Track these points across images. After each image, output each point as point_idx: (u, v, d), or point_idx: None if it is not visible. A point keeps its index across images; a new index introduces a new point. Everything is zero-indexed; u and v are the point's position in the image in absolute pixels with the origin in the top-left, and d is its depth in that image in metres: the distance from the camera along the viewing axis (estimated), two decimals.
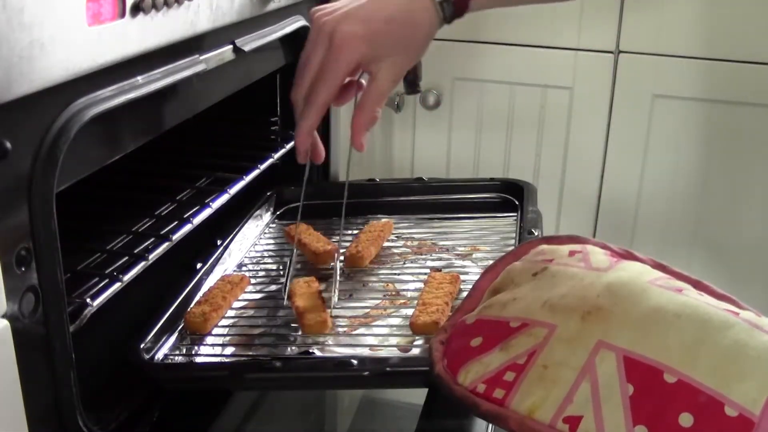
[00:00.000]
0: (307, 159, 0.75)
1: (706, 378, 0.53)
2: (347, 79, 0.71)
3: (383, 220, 0.98)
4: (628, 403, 0.54)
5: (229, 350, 0.75)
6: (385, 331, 0.76)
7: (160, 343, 0.74)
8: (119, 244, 0.82)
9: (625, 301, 0.59)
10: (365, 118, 0.70)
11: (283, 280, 0.89)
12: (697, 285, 0.64)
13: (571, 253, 0.68)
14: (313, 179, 1.10)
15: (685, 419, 0.52)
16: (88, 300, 0.66)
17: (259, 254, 0.96)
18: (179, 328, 0.77)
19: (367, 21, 0.67)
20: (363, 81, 0.73)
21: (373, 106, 0.70)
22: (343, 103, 0.76)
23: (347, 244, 0.93)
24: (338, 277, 0.84)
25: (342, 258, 0.88)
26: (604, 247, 0.70)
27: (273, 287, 0.87)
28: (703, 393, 0.53)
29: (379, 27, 0.68)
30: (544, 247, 0.72)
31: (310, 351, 0.74)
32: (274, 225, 1.03)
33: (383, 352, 0.73)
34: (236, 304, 0.82)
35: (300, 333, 0.76)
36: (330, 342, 0.74)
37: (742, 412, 0.52)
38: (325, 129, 1.11)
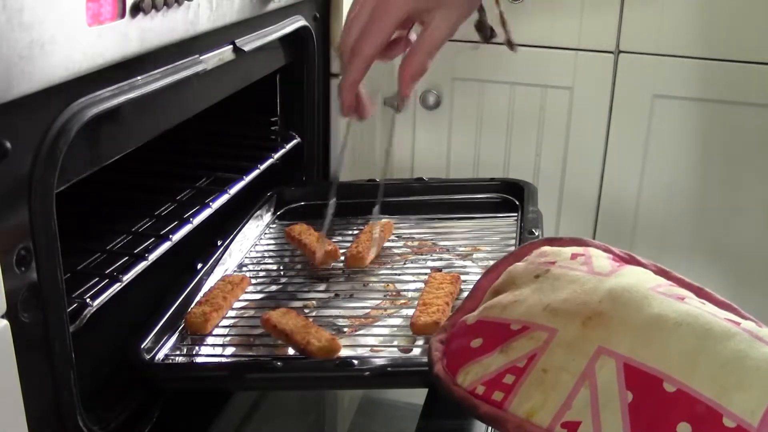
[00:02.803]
0: (350, 112, 0.71)
1: (705, 388, 0.53)
2: (396, 34, 0.69)
3: (383, 220, 0.98)
4: (626, 410, 0.53)
5: (230, 350, 0.75)
6: (386, 331, 0.76)
7: (161, 343, 0.74)
8: (119, 244, 0.82)
9: (627, 308, 0.59)
10: (414, 67, 0.68)
11: (283, 280, 0.89)
12: (699, 292, 0.64)
13: (574, 256, 0.68)
14: (313, 179, 1.10)
15: (683, 429, 0.52)
16: (88, 300, 0.66)
17: (259, 254, 0.96)
18: (180, 328, 0.77)
19: None
20: (413, 37, 0.70)
21: (423, 56, 0.67)
22: (391, 58, 0.72)
23: (344, 244, 0.93)
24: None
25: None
26: (606, 250, 0.70)
27: (273, 287, 0.87)
28: (702, 403, 0.53)
29: None
30: (547, 248, 0.72)
31: None
32: (274, 225, 1.03)
33: (384, 353, 0.73)
34: (237, 305, 0.82)
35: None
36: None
37: (740, 423, 0.51)
38: (325, 129, 1.11)
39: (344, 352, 0.72)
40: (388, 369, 0.67)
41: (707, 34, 1.31)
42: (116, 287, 0.70)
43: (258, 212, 1.01)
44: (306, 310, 0.81)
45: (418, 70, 0.68)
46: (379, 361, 0.68)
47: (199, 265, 0.86)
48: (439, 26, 0.66)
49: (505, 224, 0.98)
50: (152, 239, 0.79)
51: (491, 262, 0.78)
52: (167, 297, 0.79)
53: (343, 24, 0.69)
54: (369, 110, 0.73)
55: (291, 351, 0.74)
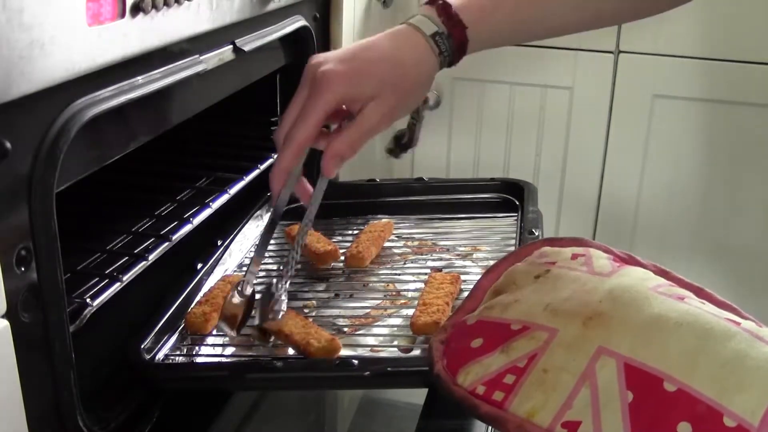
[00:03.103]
0: (276, 201, 0.72)
1: (705, 388, 0.53)
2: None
3: (383, 220, 0.98)
4: (627, 409, 0.53)
5: (230, 350, 0.75)
6: (386, 331, 0.76)
7: (161, 343, 0.74)
8: (119, 244, 0.82)
9: (627, 308, 0.59)
10: (339, 147, 0.67)
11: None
12: (699, 292, 0.64)
13: (574, 257, 0.68)
14: (313, 180, 1.10)
15: (684, 428, 0.52)
16: (88, 300, 0.66)
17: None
18: (180, 328, 0.77)
19: (351, 60, 0.66)
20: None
21: (353, 140, 0.67)
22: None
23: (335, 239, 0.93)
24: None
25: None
26: (606, 250, 0.70)
27: None
28: (703, 403, 0.53)
29: (362, 66, 0.66)
30: (547, 249, 0.72)
31: None
32: None
33: (384, 353, 0.73)
34: None
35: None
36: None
37: (741, 423, 0.51)
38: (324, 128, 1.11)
39: (344, 352, 0.72)
40: (388, 369, 0.67)
41: (707, 34, 1.31)
42: (116, 287, 0.70)
43: (258, 212, 1.01)
44: (306, 310, 0.81)
45: (340, 152, 0.68)
46: (379, 361, 0.68)
47: (199, 265, 0.86)
48: (369, 116, 0.66)
49: (505, 224, 0.98)
50: (152, 239, 0.79)
51: (491, 262, 0.78)
52: (167, 297, 0.79)
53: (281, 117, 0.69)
54: (308, 193, 0.73)
55: (291, 351, 0.74)
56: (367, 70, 0.66)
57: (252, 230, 0.99)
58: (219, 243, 0.91)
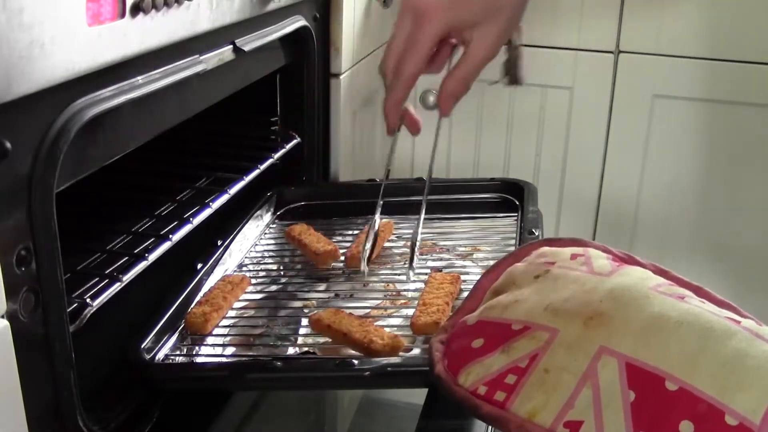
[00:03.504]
0: (395, 132, 0.72)
1: (707, 386, 0.53)
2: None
3: (383, 220, 0.98)
4: (629, 409, 0.53)
5: (230, 350, 0.75)
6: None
7: (161, 343, 0.74)
8: (119, 244, 0.82)
9: (628, 307, 0.59)
10: (454, 86, 0.67)
11: (283, 280, 0.89)
12: (699, 292, 0.64)
13: (573, 257, 0.68)
14: (313, 179, 1.10)
15: (686, 427, 0.52)
16: (88, 300, 0.66)
17: (259, 254, 0.96)
18: (180, 328, 0.77)
19: None
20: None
21: (465, 76, 0.67)
22: (438, 70, 0.71)
23: (338, 246, 0.93)
24: None
25: None
26: (606, 250, 0.70)
27: (273, 287, 0.87)
28: (704, 401, 0.53)
29: None
30: (546, 249, 0.72)
31: (311, 351, 0.74)
32: (274, 225, 1.03)
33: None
34: (237, 305, 0.82)
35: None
36: (330, 342, 0.74)
37: (742, 421, 0.52)
38: (325, 130, 1.11)
39: (344, 352, 0.72)
40: (388, 369, 0.67)
41: (707, 33, 1.31)
42: (116, 287, 0.70)
43: (258, 212, 1.01)
44: (306, 310, 0.81)
45: (456, 91, 0.67)
46: (379, 361, 0.68)
47: (199, 265, 0.86)
48: (480, 45, 0.65)
49: (505, 224, 0.98)
50: (152, 239, 0.79)
51: (491, 262, 0.78)
52: (167, 297, 0.79)
53: (386, 47, 0.68)
54: (419, 125, 0.73)
55: (291, 351, 0.74)
56: None
57: (252, 230, 0.99)
58: (219, 243, 0.91)
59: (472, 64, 0.66)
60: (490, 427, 0.67)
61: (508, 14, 0.66)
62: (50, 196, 0.54)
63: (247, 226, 0.97)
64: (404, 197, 1.05)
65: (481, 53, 0.66)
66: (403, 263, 0.90)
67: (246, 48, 0.81)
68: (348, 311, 0.80)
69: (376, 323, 0.76)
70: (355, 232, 0.97)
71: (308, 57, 1.01)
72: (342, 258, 0.90)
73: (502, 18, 0.66)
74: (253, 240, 0.98)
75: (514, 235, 0.94)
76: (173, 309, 0.78)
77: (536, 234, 0.88)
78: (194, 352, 0.75)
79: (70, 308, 0.62)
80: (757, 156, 1.34)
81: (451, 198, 1.05)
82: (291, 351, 0.74)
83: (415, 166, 1.52)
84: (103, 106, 0.58)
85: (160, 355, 0.73)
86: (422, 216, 0.79)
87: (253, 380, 0.70)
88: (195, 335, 0.76)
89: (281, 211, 1.05)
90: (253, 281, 0.88)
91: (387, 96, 0.69)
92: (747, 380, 0.53)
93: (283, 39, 0.92)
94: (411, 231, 0.98)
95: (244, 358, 0.74)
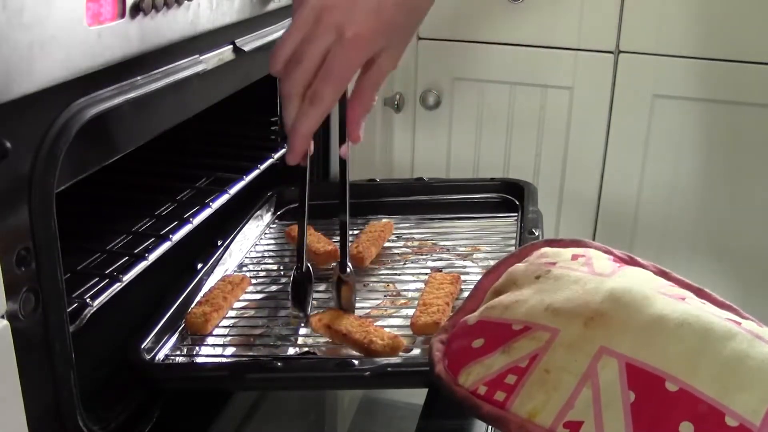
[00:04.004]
0: (301, 160, 0.69)
1: (707, 387, 0.53)
2: None
3: (383, 220, 0.98)
4: (629, 409, 0.53)
5: (230, 351, 0.75)
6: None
7: (161, 343, 0.74)
8: (119, 244, 0.82)
9: (628, 308, 0.59)
10: (364, 106, 0.65)
11: (283, 280, 0.89)
12: (699, 293, 0.64)
13: (574, 257, 0.68)
14: (314, 179, 1.10)
15: (686, 428, 0.52)
16: (88, 300, 0.66)
17: (259, 255, 0.96)
18: (180, 328, 0.77)
19: (378, 11, 0.60)
20: None
21: (372, 93, 0.65)
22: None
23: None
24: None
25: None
26: (607, 251, 0.70)
27: (274, 287, 0.87)
28: (704, 402, 0.53)
29: (389, 16, 0.60)
30: (547, 249, 0.72)
31: (311, 351, 0.74)
32: (274, 225, 1.03)
33: None
34: (237, 305, 0.82)
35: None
36: (331, 342, 0.74)
37: (742, 422, 0.52)
38: (325, 129, 1.11)
39: (344, 352, 0.72)
40: (388, 369, 0.67)
41: (707, 34, 1.31)
42: (116, 287, 0.70)
43: (258, 212, 1.01)
44: None
45: (367, 107, 0.66)
46: (379, 361, 0.68)
47: (199, 265, 0.86)
48: (388, 63, 0.64)
49: (505, 224, 0.98)
50: (152, 239, 0.79)
51: (491, 262, 0.78)
52: (167, 297, 0.79)
53: (275, 56, 0.63)
54: (311, 151, 0.68)
55: (291, 351, 0.74)
56: (394, 21, 0.61)
57: (252, 230, 0.99)
58: (219, 243, 0.91)
59: (378, 81, 0.64)
60: (490, 428, 0.67)
61: (413, 32, 0.66)
62: (50, 196, 0.54)
63: (247, 226, 0.97)
64: (404, 197, 1.05)
65: (388, 70, 0.64)
66: (403, 263, 0.90)
67: (246, 48, 0.81)
68: None
69: (376, 323, 0.76)
70: (355, 232, 0.97)
71: None
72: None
73: (409, 37, 0.65)
74: (253, 240, 0.98)
75: (514, 235, 0.94)
76: (173, 309, 0.78)
77: (536, 234, 0.88)
78: (194, 352, 0.75)
79: (70, 308, 0.62)
80: (757, 156, 1.34)
81: (451, 198, 1.05)
82: (291, 351, 0.74)
83: (416, 166, 1.52)
84: (103, 106, 0.58)
85: (160, 355, 0.73)
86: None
87: (253, 380, 0.70)
88: (195, 335, 0.76)
89: (281, 211, 1.06)
90: (254, 281, 0.88)
91: (301, 123, 0.63)
92: (747, 381, 0.53)
93: None
94: (411, 231, 0.99)
95: (244, 358, 0.74)
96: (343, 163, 0.75)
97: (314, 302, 0.80)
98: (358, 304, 0.81)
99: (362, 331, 0.71)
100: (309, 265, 0.77)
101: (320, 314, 0.75)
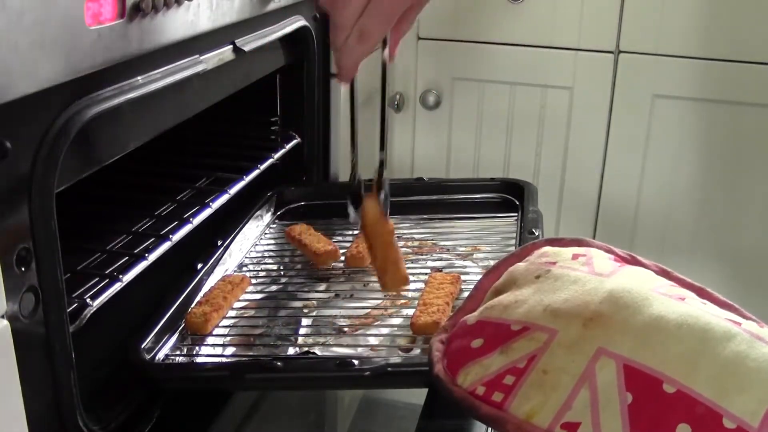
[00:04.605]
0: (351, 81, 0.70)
1: (705, 389, 0.53)
2: None
3: None
4: (626, 411, 0.53)
5: (230, 350, 0.75)
6: (386, 331, 0.76)
7: (161, 343, 0.74)
8: (119, 244, 0.82)
9: (627, 309, 0.59)
10: (402, 32, 0.66)
11: (283, 280, 0.89)
12: (701, 292, 0.64)
13: (575, 257, 0.68)
14: (313, 179, 1.10)
15: (683, 430, 0.52)
16: (88, 300, 0.66)
17: (259, 255, 0.96)
18: (180, 328, 0.77)
19: None
20: None
21: (409, 24, 0.66)
22: (404, 33, 0.69)
23: (344, 244, 0.93)
24: None
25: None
26: (608, 250, 0.70)
27: (273, 287, 0.87)
28: (702, 404, 0.53)
29: None
30: (548, 249, 0.72)
31: (311, 351, 0.74)
32: (274, 225, 1.03)
33: (384, 352, 0.73)
34: (237, 305, 0.82)
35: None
36: (331, 342, 0.74)
37: (740, 424, 0.51)
38: (325, 129, 1.11)
39: (345, 352, 0.72)
40: (388, 369, 0.67)
41: (707, 34, 1.31)
42: (116, 287, 0.70)
43: (258, 212, 1.01)
44: (306, 310, 0.81)
45: (404, 33, 0.67)
46: (379, 361, 0.68)
47: (199, 265, 0.86)
48: (412, 20, 0.66)
49: (505, 224, 0.98)
50: (152, 239, 0.79)
51: (491, 262, 0.78)
52: (167, 297, 0.79)
53: None
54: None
55: (291, 351, 0.74)
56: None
57: (252, 230, 0.99)
58: (219, 243, 0.91)
59: (417, 13, 0.65)
60: (489, 429, 0.67)
61: None
62: (50, 196, 0.54)
63: (247, 226, 0.97)
64: (404, 197, 1.05)
65: (410, 27, 0.66)
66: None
67: (246, 48, 0.81)
68: (349, 310, 0.80)
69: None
70: (355, 232, 0.97)
71: (308, 57, 1.01)
72: (342, 258, 0.90)
73: None
74: (253, 240, 0.98)
75: (514, 235, 0.94)
76: (173, 309, 0.78)
77: (536, 234, 0.88)
78: (194, 352, 0.75)
79: (70, 308, 0.62)
80: (758, 156, 1.34)
81: (451, 198, 1.05)
82: (291, 351, 0.74)
83: (416, 166, 1.52)
84: (103, 106, 0.58)
85: (160, 355, 0.73)
86: None
87: (253, 380, 0.70)
88: (195, 335, 0.76)
89: (281, 211, 1.05)
90: (254, 281, 0.88)
91: (347, 52, 0.63)
92: (746, 382, 0.53)
93: (283, 39, 0.92)
94: (411, 231, 0.99)
95: (244, 358, 0.74)
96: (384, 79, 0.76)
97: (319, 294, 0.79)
98: (358, 304, 0.81)
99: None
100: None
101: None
